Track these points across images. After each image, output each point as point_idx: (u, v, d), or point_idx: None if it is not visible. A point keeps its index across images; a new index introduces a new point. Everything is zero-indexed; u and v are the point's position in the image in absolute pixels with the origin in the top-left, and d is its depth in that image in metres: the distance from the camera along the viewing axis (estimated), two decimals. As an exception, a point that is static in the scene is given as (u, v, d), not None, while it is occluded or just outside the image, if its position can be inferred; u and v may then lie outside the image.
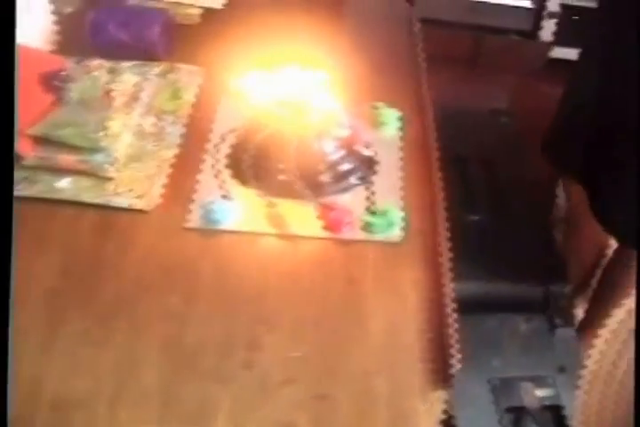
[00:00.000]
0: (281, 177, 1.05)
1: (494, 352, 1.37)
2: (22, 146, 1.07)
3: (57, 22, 1.29)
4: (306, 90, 1.08)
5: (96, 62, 1.15)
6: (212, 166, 1.05)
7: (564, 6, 2.53)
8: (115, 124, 1.09)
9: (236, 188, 1.07)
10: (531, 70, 2.58)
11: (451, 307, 0.94)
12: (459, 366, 0.85)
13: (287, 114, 1.05)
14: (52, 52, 1.26)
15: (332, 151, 1.07)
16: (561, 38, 2.58)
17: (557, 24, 2.57)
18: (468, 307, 1.45)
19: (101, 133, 1.06)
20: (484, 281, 1.44)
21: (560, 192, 1.85)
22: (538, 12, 2.58)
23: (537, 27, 2.60)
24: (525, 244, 1.47)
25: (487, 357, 1.36)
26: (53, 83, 1.14)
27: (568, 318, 1.48)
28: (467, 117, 1.76)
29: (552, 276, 1.45)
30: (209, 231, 1.02)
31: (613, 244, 1.60)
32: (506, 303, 1.46)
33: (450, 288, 0.97)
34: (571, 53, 2.53)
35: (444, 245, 1.01)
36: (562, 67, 2.48)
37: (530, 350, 1.39)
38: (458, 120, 1.68)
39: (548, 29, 2.60)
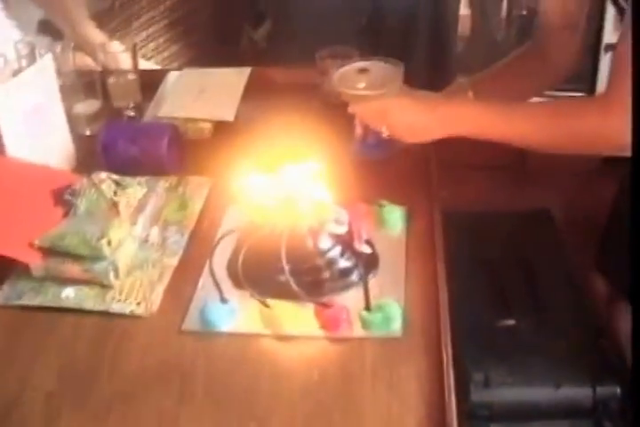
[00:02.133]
0: (277, 277, 1.04)
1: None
2: (31, 257, 1.10)
3: (75, 142, 1.36)
4: (304, 189, 1.09)
5: (104, 176, 1.19)
6: (211, 270, 1.05)
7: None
8: (118, 234, 1.11)
9: (233, 290, 1.07)
10: (585, 170, 2.55)
11: (453, 404, 0.91)
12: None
13: (282, 214, 1.06)
14: (70, 170, 1.32)
15: (330, 249, 1.07)
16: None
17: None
18: (501, 415, 1.39)
19: (104, 242, 1.08)
20: (519, 386, 1.37)
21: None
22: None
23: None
24: (567, 345, 1.40)
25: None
26: (64, 197, 1.18)
27: (620, 423, 1.39)
28: (506, 220, 1.73)
29: (600, 376, 1.37)
30: (205, 333, 1.02)
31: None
32: (547, 410, 1.38)
33: (451, 384, 0.93)
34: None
35: (447, 341, 0.99)
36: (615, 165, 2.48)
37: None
38: (497, 223, 1.67)
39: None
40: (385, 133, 1.24)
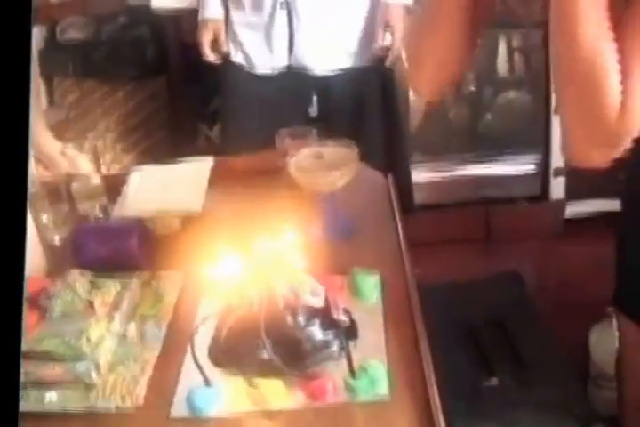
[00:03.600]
0: (259, 355, 1.04)
1: None
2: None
3: (45, 250, 1.37)
4: (278, 265, 1.11)
5: (77, 275, 1.20)
6: (193, 354, 1.05)
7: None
8: (96, 332, 1.11)
9: (217, 373, 1.06)
10: (550, 233, 2.59)
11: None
12: None
13: (258, 291, 1.07)
14: (42, 276, 1.33)
15: (308, 322, 1.08)
16: (571, 194, 2.62)
17: (566, 180, 2.60)
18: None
19: (83, 341, 1.08)
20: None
21: (594, 348, 1.80)
22: (544, 174, 2.64)
23: (546, 189, 2.65)
24: (551, 398, 1.40)
25: None
26: (39, 302, 1.18)
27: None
28: (478, 286, 1.76)
29: (589, 422, 1.36)
30: (194, 419, 1.01)
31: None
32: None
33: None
34: (585, 207, 2.59)
35: (435, 399, 0.99)
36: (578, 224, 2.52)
37: None
38: (470, 290, 1.69)
39: (557, 188, 2.64)
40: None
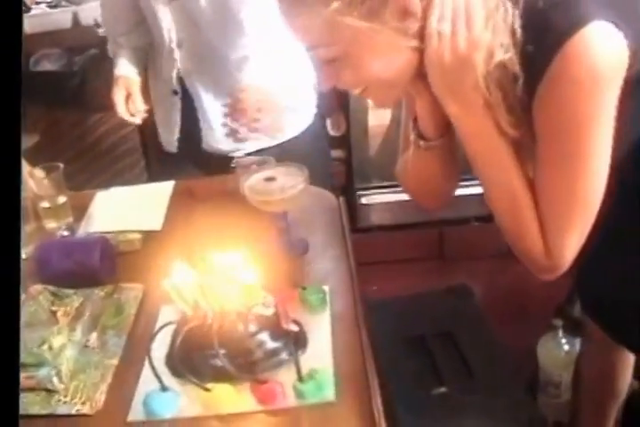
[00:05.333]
0: (213, 362, 1.11)
1: None
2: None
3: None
4: (231, 278, 1.17)
5: (41, 288, 1.26)
6: (150, 360, 1.11)
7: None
8: (58, 340, 1.17)
9: (172, 379, 1.13)
10: (500, 251, 2.68)
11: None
12: None
13: (211, 302, 1.14)
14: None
15: (259, 331, 1.15)
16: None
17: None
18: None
19: (45, 348, 1.14)
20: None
21: (542, 358, 1.90)
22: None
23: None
24: (499, 404, 1.47)
25: None
26: (3, 314, 1.24)
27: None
28: (429, 299, 1.83)
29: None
30: (150, 423, 1.07)
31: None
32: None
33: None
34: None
35: (378, 403, 1.06)
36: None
37: None
38: (421, 303, 1.77)
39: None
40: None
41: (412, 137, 1.17)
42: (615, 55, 0.96)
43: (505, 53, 0.99)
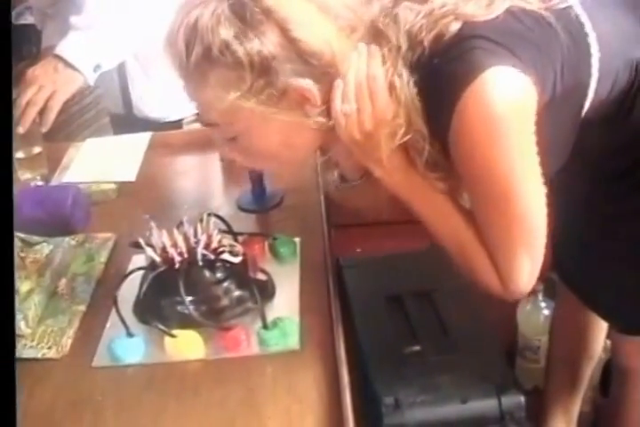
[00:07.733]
0: (179, 308, 1.11)
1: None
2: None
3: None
4: (201, 226, 1.17)
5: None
6: (115, 305, 1.12)
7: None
8: (25, 286, 1.17)
9: (139, 326, 1.13)
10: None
11: (348, 401, 0.98)
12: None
13: (178, 251, 1.14)
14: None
15: (225, 278, 1.15)
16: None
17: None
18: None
19: (12, 294, 1.14)
20: (429, 406, 1.42)
21: (522, 322, 1.91)
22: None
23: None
24: (472, 363, 1.46)
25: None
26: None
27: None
28: (409, 258, 1.82)
29: (504, 387, 1.43)
30: (114, 367, 1.08)
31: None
32: (457, 424, 1.43)
33: (346, 384, 1.00)
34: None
35: (341, 354, 1.06)
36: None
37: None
38: (400, 262, 1.76)
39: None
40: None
41: (333, 181, 1.19)
42: (518, 95, 0.96)
43: (414, 121, 1.00)
